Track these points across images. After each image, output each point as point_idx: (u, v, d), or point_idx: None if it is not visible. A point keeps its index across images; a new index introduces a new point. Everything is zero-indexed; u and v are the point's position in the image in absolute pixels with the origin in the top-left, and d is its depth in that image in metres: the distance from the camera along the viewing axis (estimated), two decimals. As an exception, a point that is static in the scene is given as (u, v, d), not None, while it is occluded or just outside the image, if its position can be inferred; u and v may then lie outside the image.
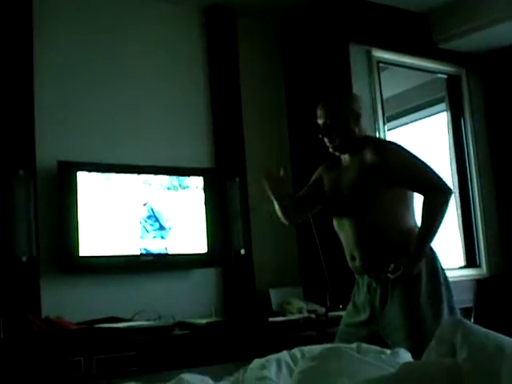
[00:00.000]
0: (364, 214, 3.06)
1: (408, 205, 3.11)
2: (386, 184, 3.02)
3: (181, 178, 4.43)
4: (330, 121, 3.18)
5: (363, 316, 3.09)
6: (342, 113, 3.18)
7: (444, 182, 3.08)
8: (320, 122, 3.23)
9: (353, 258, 3.14)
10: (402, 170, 3.05)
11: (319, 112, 3.24)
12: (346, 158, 3.23)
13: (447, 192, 3.04)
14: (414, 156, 3.10)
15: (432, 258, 3.05)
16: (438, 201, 3.00)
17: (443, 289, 3.00)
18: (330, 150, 3.25)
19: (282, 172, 3.16)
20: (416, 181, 3.07)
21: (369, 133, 3.42)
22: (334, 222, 3.25)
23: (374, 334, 2.99)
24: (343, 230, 3.17)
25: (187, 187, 4.44)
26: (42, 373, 3.43)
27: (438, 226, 2.99)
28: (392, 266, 2.94)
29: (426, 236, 2.99)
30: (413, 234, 3.03)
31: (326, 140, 3.22)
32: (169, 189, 4.37)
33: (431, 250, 3.07)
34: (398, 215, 3.07)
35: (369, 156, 3.06)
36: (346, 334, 3.09)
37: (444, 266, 3.12)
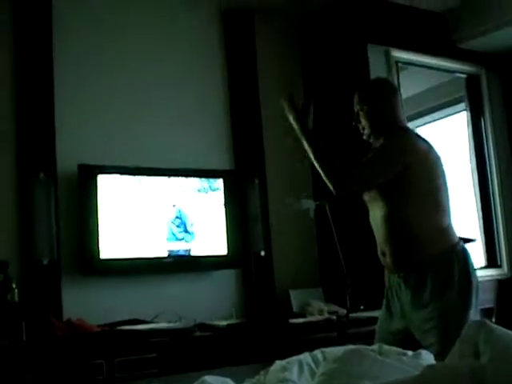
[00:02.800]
0: (393, 208, 2.99)
1: (439, 203, 3.01)
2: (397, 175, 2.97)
3: (201, 179, 4.44)
4: (359, 108, 3.18)
5: (397, 322, 3.04)
6: (370, 101, 3.15)
7: (361, 178, 3.04)
8: (354, 109, 3.23)
9: (383, 254, 3.08)
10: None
11: (354, 99, 3.23)
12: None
13: (337, 188, 2.99)
14: (390, 153, 3.04)
15: (464, 263, 2.95)
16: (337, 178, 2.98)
17: (473, 295, 2.91)
18: (364, 137, 3.22)
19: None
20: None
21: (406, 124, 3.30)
22: (369, 213, 3.18)
23: (410, 338, 2.93)
24: (375, 223, 3.11)
25: (207, 189, 4.45)
26: (63, 375, 3.45)
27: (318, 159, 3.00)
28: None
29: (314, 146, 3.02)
30: (444, 234, 2.96)
31: (359, 127, 3.22)
32: (189, 191, 4.38)
33: (464, 252, 2.99)
34: (427, 212, 2.97)
35: None
36: (383, 340, 2.99)
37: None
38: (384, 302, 3.18)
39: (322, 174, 3.00)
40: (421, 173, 2.99)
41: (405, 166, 2.96)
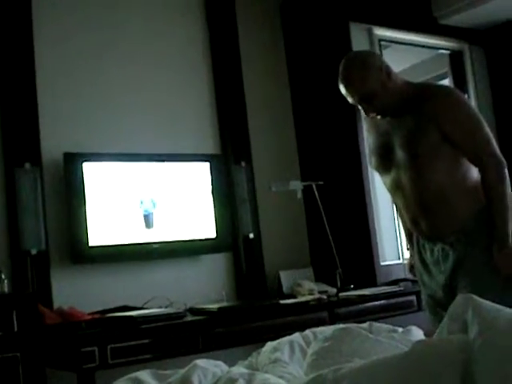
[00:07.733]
0: (425, 172, 2.74)
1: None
2: (443, 138, 2.72)
3: (187, 164, 4.43)
4: (363, 92, 2.80)
5: (439, 291, 2.85)
6: (370, 78, 2.79)
7: (498, 151, 2.75)
8: (353, 99, 2.83)
9: (416, 223, 2.86)
10: (456, 128, 2.74)
11: (348, 91, 2.83)
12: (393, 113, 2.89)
13: (503, 163, 2.73)
14: (472, 112, 2.82)
15: None
16: (497, 173, 2.70)
17: None
18: (378, 116, 2.89)
19: None
20: (470, 145, 2.74)
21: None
22: (387, 181, 2.92)
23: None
24: (402, 190, 2.84)
25: (194, 173, 4.44)
26: (56, 364, 3.46)
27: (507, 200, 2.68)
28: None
29: (504, 221, 2.68)
30: (478, 191, 2.75)
31: (368, 110, 2.86)
32: (176, 175, 4.37)
33: None
34: (462, 171, 2.77)
35: (425, 106, 2.78)
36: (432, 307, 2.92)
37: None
38: (420, 267, 2.97)
39: None
40: None
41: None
